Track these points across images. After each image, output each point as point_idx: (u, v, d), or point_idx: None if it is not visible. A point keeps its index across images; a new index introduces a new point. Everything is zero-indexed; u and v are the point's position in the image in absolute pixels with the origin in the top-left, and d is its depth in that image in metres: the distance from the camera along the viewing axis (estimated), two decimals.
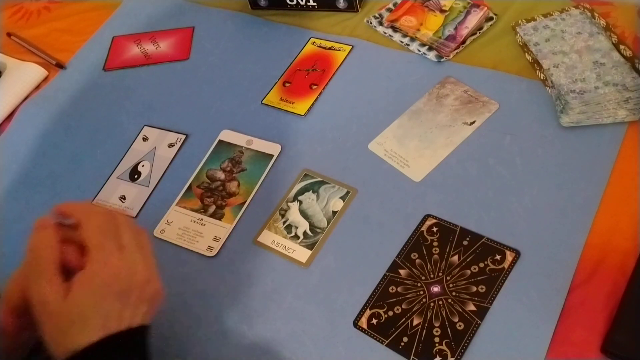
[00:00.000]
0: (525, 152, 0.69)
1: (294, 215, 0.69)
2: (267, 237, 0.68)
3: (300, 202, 0.69)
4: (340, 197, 0.69)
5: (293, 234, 0.67)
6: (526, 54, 0.77)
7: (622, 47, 0.72)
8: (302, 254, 0.65)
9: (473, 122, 0.73)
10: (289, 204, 0.70)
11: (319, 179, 0.71)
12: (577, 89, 0.68)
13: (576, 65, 0.71)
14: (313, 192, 0.70)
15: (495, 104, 0.74)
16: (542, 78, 0.74)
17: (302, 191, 0.70)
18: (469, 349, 0.56)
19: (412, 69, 0.80)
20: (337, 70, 0.83)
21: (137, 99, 0.87)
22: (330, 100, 0.80)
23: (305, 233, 0.67)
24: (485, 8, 0.83)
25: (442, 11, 0.84)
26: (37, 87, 0.92)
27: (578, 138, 0.68)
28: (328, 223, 0.67)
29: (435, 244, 0.63)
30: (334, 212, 0.68)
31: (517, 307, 0.58)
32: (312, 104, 0.79)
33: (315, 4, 0.90)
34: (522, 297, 0.58)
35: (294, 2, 0.91)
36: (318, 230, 0.67)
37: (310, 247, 0.66)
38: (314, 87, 0.81)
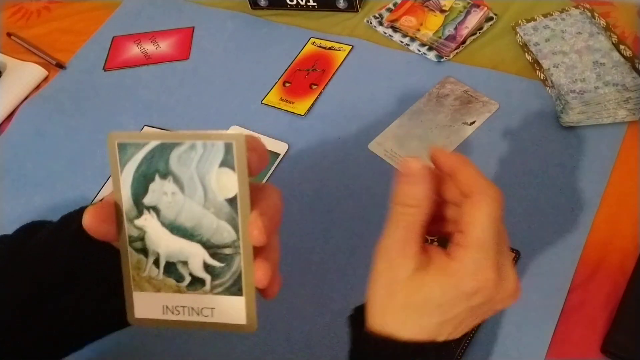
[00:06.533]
0: (525, 152, 0.69)
1: (160, 241, 0.36)
2: (152, 305, 0.37)
3: (157, 210, 0.36)
4: (222, 162, 0.34)
5: (186, 279, 0.36)
6: (526, 54, 0.77)
7: (622, 47, 0.72)
8: (230, 310, 0.36)
9: (473, 122, 0.73)
10: (140, 221, 0.36)
11: (157, 142, 0.35)
12: (577, 89, 0.68)
13: (576, 65, 0.71)
14: (161, 176, 0.35)
15: (495, 104, 0.74)
16: (542, 78, 0.74)
17: (142, 184, 0.36)
18: (469, 349, 0.56)
19: (412, 69, 0.80)
20: (337, 70, 0.83)
21: (137, 99, 0.87)
22: (330, 100, 0.80)
23: (208, 268, 0.36)
24: (485, 8, 0.83)
25: (442, 11, 0.84)
26: (37, 87, 0.92)
27: (578, 138, 0.68)
28: (235, 228, 0.35)
29: (436, 243, 0.63)
30: (230, 201, 0.35)
31: (517, 307, 0.57)
32: (312, 104, 0.79)
33: (315, 4, 0.90)
34: (522, 296, 0.58)
35: (294, 2, 0.91)
36: (226, 250, 0.36)
37: (234, 288, 0.36)
38: (314, 87, 0.81)
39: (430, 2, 0.86)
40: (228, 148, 0.34)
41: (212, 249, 0.35)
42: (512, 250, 0.61)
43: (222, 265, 0.35)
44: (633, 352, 0.52)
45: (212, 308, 0.36)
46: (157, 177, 0.35)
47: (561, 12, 0.78)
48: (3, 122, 0.88)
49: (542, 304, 0.57)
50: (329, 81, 0.82)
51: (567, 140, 0.68)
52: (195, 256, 0.36)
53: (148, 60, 0.92)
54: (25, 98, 0.91)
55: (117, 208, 0.36)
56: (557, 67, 0.71)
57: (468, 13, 0.83)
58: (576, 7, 0.78)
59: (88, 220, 0.36)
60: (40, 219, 0.48)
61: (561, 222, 0.62)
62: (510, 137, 0.70)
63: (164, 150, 0.35)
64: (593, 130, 0.68)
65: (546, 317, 0.56)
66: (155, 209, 0.36)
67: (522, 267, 0.60)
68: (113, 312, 0.40)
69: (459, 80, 0.77)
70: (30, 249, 0.43)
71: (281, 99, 0.81)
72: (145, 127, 0.82)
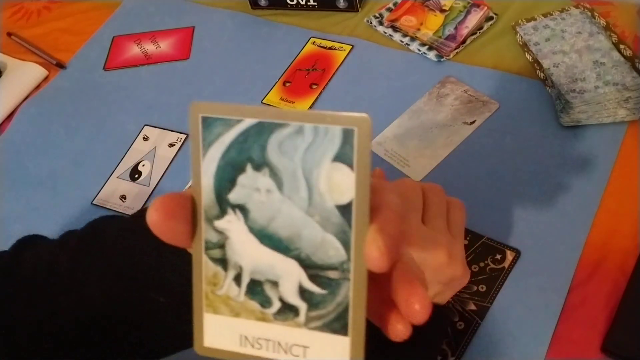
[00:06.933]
0: (525, 151, 0.69)
1: (245, 251, 0.28)
2: (227, 333, 0.29)
3: (244, 211, 0.28)
4: (337, 155, 0.27)
5: (274, 304, 0.28)
6: (526, 53, 0.77)
7: (622, 46, 0.72)
8: (329, 353, 0.27)
9: (473, 122, 0.73)
10: (222, 223, 0.28)
11: (254, 120, 0.27)
12: (577, 88, 0.68)
13: (576, 65, 0.71)
14: (255, 166, 0.27)
15: (495, 103, 0.74)
16: (542, 77, 0.74)
17: (229, 174, 0.27)
18: (469, 349, 0.56)
19: (412, 68, 0.80)
20: (337, 69, 0.83)
21: (137, 99, 0.87)
22: (331, 99, 0.80)
23: (304, 293, 0.27)
24: (486, 8, 0.83)
25: (442, 11, 0.84)
26: (37, 87, 0.92)
27: (578, 138, 0.68)
28: (345, 245, 0.26)
29: None
30: (343, 208, 0.26)
31: (517, 307, 0.58)
32: (313, 104, 0.79)
33: (315, 3, 0.90)
34: (522, 296, 0.58)
35: (294, 1, 0.91)
36: (331, 273, 0.27)
37: (337, 324, 0.27)
38: (314, 86, 0.81)
39: (431, 1, 0.86)
40: (347, 136, 0.27)
41: (312, 269, 0.27)
42: (513, 249, 0.61)
43: (323, 292, 0.27)
44: (633, 352, 0.53)
45: (305, 347, 0.27)
46: (249, 168, 0.27)
47: (561, 11, 0.78)
48: (3, 122, 0.88)
49: (542, 303, 0.57)
50: (329, 81, 0.82)
51: (567, 139, 0.68)
52: (289, 276, 0.27)
53: (148, 60, 0.92)
54: (25, 98, 0.91)
55: (194, 202, 0.28)
56: (557, 66, 0.71)
57: (468, 13, 0.83)
58: (576, 7, 0.78)
59: (153, 215, 0.27)
60: (109, 215, 0.46)
61: (561, 222, 0.62)
62: (510, 137, 0.70)
63: (261, 131, 0.26)
64: (593, 130, 0.68)
65: (546, 317, 0.56)
66: (242, 209, 0.27)
67: (522, 267, 0.60)
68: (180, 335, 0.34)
69: (459, 80, 0.77)
70: (103, 252, 0.41)
71: (281, 99, 0.81)
72: (145, 126, 0.82)
